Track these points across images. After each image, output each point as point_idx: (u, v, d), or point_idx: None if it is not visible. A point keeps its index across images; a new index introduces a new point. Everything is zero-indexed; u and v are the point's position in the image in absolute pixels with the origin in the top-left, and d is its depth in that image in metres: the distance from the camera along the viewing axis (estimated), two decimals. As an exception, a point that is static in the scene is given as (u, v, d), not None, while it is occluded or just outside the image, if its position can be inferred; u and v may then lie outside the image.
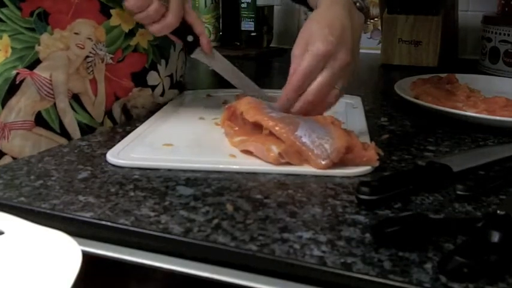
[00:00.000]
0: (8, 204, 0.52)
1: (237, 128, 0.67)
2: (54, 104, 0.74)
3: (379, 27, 1.46)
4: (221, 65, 0.81)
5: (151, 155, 0.63)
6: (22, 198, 0.53)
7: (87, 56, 0.76)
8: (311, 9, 0.82)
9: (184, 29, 0.75)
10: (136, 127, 0.73)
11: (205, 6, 1.48)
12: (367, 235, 0.46)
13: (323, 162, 0.58)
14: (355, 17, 0.68)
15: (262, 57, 1.43)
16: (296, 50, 0.66)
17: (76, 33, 0.74)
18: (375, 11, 1.52)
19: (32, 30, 0.72)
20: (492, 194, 0.54)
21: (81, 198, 0.53)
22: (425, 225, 0.46)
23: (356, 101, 0.88)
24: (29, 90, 0.73)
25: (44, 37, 0.73)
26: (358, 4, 0.71)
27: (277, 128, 0.61)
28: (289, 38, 1.61)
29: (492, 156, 0.64)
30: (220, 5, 1.51)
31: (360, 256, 0.42)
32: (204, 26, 0.76)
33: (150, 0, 0.70)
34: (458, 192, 0.53)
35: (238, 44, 1.51)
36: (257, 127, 0.64)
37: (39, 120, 0.74)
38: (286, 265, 0.43)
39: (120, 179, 0.57)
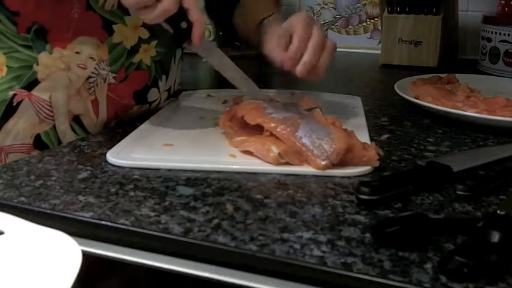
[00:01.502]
0: (8, 204, 0.52)
1: (236, 129, 0.67)
2: (54, 126, 0.72)
3: (379, 27, 1.46)
4: (218, 60, 0.75)
5: (152, 155, 0.63)
6: (22, 198, 0.53)
7: (89, 77, 0.73)
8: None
9: (178, 14, 0.66)
10: (137, 127, 0.73)
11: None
12: (367, 235, 0.46)
13: (322, 163, 0.58)
14: None
15: (262, 57, 1.42)
16: (272, 45, 0.77)
17: (77, 53, 0.71)
18: (375, 11, 1.52)
19: (29, 48, 0.69)
20: (492, 194, 0.54)
21: (81, 198, 0.53)
22: (425, 225, 0.46)
23: (356, 101, 0.88)
24: (27, 112, 0.70)
25: (43, 56, 0.69)
26: None
27: (278, 130, 0.61)
28: (289, 38, 1.61)
29: (492, 156, 0.64)
30: (220, 5, 1.51)
31: (360, 256, 0.42)
32: (200, 13, 0.67)
33: None
34: (458, 192, 0.53)
35: (238, 44, 1.51)
36: (257, 127, 0.64)
37: (38, 143, 0.71)
38: (286, 265, 0.43)
39: (120, 179, 0.57)
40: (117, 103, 0.77)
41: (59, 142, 0.73)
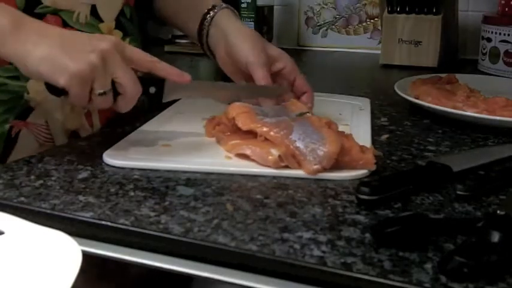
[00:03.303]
0: (8, 204, 0.52)
1: (229, 133, 0.66)
2: (54, 145, 0.72)
3: (379, 27, 1.46)
4: (202, 89, 0.71)
5: (147, 155, 0.63)
6: (22, 198, 0.53)
7: None
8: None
9: (143, 82, 0.62)
10: (137, 128, 0.73)
11: (205, 6, 1.48)
12: (367, 235, 0.46)
13: (314, 167, 0.57)
14: None
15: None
16: (254, 59, 0.73)
17: None
18: (375, 11, 1.52)
19: (16, 78, 0.68)
20: (492, 194, 0.54)
21: (81, 198, 0.53)
22: (425, 225, 0.46)
23: (364, 103, 0.88)
24: (26, 141, 0.70)
25: (32, 84, 0.69)
26: None
27: (271, 133, 0.61)
28: (289, 38, 1.61)
29: (492, 156, 0.64)
30: (220, 5, 1.51)
31: (360, 256, 0.42)
32: (163, 64, 0.63)
33: (86, 97, 0.59)
34: (458, 192, 0.53)
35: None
36: (250, 132, 0.63)
37: None
38: (286, 265, 0.43)
39: (120, 179, 0.57)
40: (107, 109, 0.76)
41: None
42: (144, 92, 0.62)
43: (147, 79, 0.64)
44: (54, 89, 0.59)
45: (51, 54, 0.56)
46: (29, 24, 0.59)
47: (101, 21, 0.75)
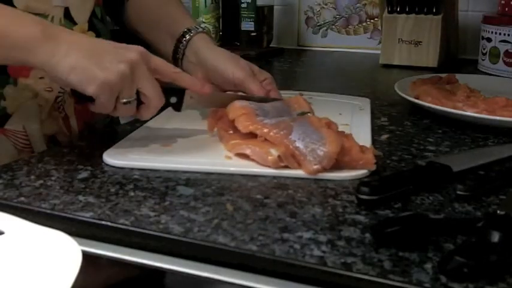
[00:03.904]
0: (8, 204, 0.52)
1: (232, 132, 0.66)
2: (32, 152, 0.72)
3: (379, 27, 1.46)
4: (218, 101, 0.71)
5: (147, 155, 0.63)
6: (22, 198, 0.53)
7: (57, 96, 0.73)
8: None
9: (165, 92, 0.64)
10: (137, 127, 0.73)
11: (205, 6, 1.48)
12: (367, 235, 0.46)
13: (314, 167, 0.57)
14: None
15: (262, 57, 1.43)
16: (242, 74, 0.76)
17: (41, 78, 0.70)
18: (375, 11, 1.52)
19: None
20: (492, 194, 0.54)
21: (81, 198, 0.53)
22: (425, 225, 0.46)
23: (364, 103, 0.88)
24: (5, 147, 0.70)
25: (9, 90, 0.69)
26: None
27: (271, 134, 0.61)
28: (289, 38, 1.61)
29: (492, 156, 0.64)
30: (220, 5, 1.51)
31: (360, 256, 0.42)
32: (185, 75, 0.67)
33: (112, 105, 0.60)
34: (458, 192, 0.53)
35: (238, 44, 1.51)
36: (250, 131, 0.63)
37: None
38: (286, 265, 0.43)
39: (120, 179, 0.57)
40: (84, 113, 0.77)
41: None
42: (166, 101, 0.65)
43: (169, 89, 0.66)
44: (80, 96, 0.60)
45: (82, 64, 0.58)
46: (59, 33, 0.60)
47: (75, 23, 0.75)
